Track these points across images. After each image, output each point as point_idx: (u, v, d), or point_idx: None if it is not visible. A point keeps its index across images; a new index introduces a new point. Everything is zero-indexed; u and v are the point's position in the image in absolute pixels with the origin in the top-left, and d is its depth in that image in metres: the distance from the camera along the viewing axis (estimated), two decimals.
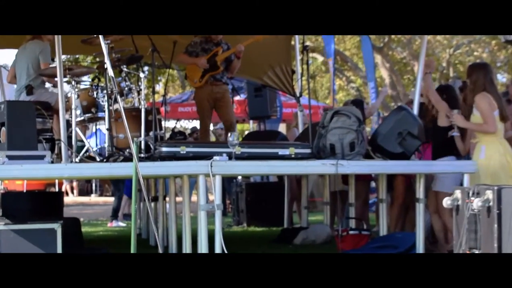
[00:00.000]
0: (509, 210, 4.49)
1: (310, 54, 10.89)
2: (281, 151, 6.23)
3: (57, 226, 5.48)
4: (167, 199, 7.73)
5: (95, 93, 6.93)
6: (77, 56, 14.78)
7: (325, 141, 6.31)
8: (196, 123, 15.30)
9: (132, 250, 5.14)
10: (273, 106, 12.08)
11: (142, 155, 6.41)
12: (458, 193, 4.90)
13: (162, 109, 8.14)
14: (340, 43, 21.12)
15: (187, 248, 6.04)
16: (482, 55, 22.43)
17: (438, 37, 21.05)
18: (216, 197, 5.66)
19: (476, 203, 4.59)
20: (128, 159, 5.96)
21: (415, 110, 7.08)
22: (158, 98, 12.35)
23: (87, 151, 6.70)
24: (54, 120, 6.81)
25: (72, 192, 20.96)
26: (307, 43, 8.65)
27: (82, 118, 6.96)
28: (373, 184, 9.49)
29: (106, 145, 6.59)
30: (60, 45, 6.05)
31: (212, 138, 11.97)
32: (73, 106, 6.43)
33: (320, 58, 21.65)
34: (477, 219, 4.66)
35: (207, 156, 5.74)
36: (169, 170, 5.87)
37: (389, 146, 6.47)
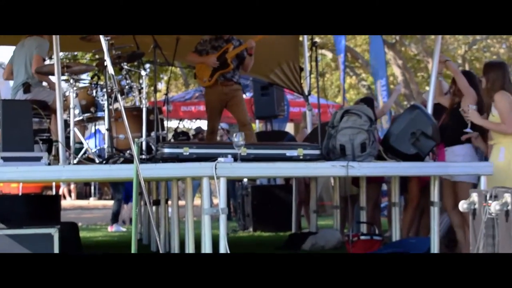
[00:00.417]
0: None
1: (319, 51, 10.75)
2: (288, 152, 6.14)
3: (54, 231, 5.39)
4: (169, 202, 7.67)
5: (94, 91, 6.94)
6: (75, 53, 14.86)
7: (335, 141, 6.21)
8: (200, 123, 15.25)
9: None
10: (280, 105, 11.92)
11: (143, 156, 6.39)
12: (475, 196, 4.79)
13: (164, 108, 8.08)
14: (351, 39, 20.94)
15: None
16: (499, 51, 22.28)
17: None
18: (220, 200, 5.59)
19: (494, 206, 4.51)
20: (129, 160, 5.98)
21: (429, 109, 6.91)
22: (160, 97, 12.32)
23: (85, 152, 6.67)
24: (52, 120, 6.78)
25: (70, 196, 20.87)
26: (316, 39, 8.48)
27: (80, 118, 6.96)
28: (384, 187, 9.35)
29: (105, 146, 6.60)
30: (58, 43, 6.00)
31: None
32: (71, 106, 6.44)
33: (330, 55, 21.46)
34: (494, 224, 4.57)
35: (211, 158, 5.69)
36: (171, 172, 5.81)
37: (402, 147, 6.34)
